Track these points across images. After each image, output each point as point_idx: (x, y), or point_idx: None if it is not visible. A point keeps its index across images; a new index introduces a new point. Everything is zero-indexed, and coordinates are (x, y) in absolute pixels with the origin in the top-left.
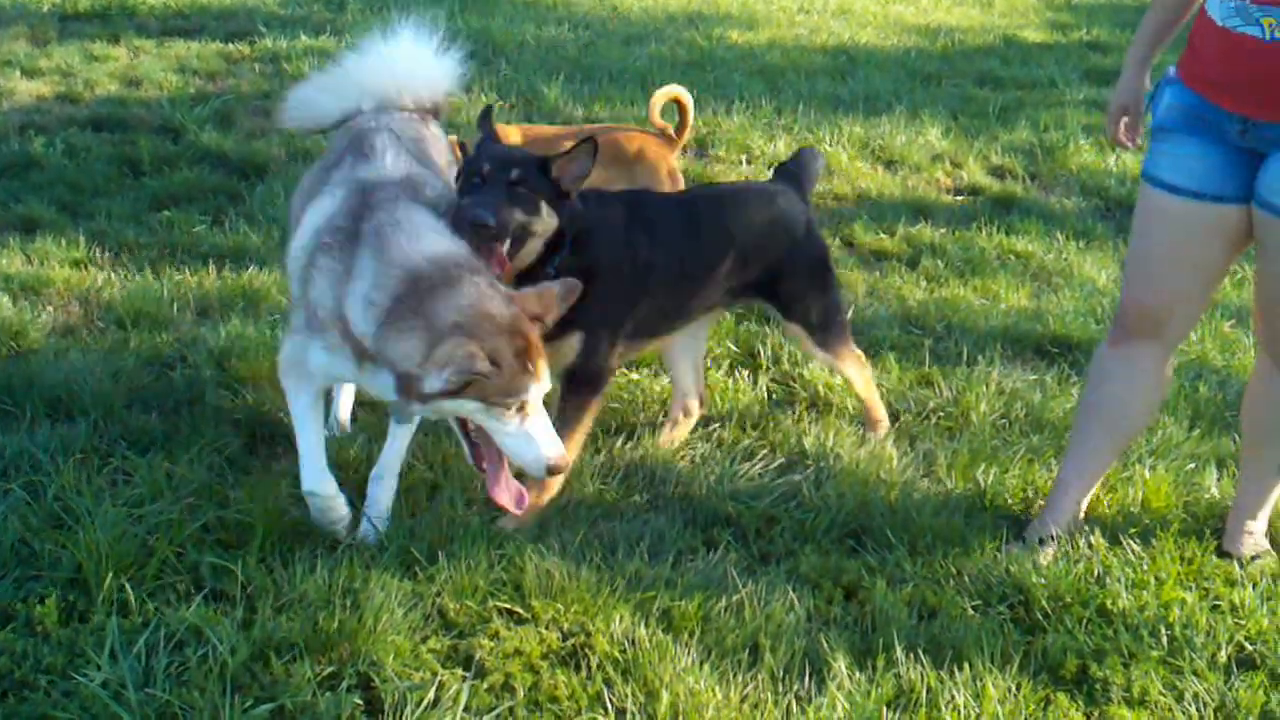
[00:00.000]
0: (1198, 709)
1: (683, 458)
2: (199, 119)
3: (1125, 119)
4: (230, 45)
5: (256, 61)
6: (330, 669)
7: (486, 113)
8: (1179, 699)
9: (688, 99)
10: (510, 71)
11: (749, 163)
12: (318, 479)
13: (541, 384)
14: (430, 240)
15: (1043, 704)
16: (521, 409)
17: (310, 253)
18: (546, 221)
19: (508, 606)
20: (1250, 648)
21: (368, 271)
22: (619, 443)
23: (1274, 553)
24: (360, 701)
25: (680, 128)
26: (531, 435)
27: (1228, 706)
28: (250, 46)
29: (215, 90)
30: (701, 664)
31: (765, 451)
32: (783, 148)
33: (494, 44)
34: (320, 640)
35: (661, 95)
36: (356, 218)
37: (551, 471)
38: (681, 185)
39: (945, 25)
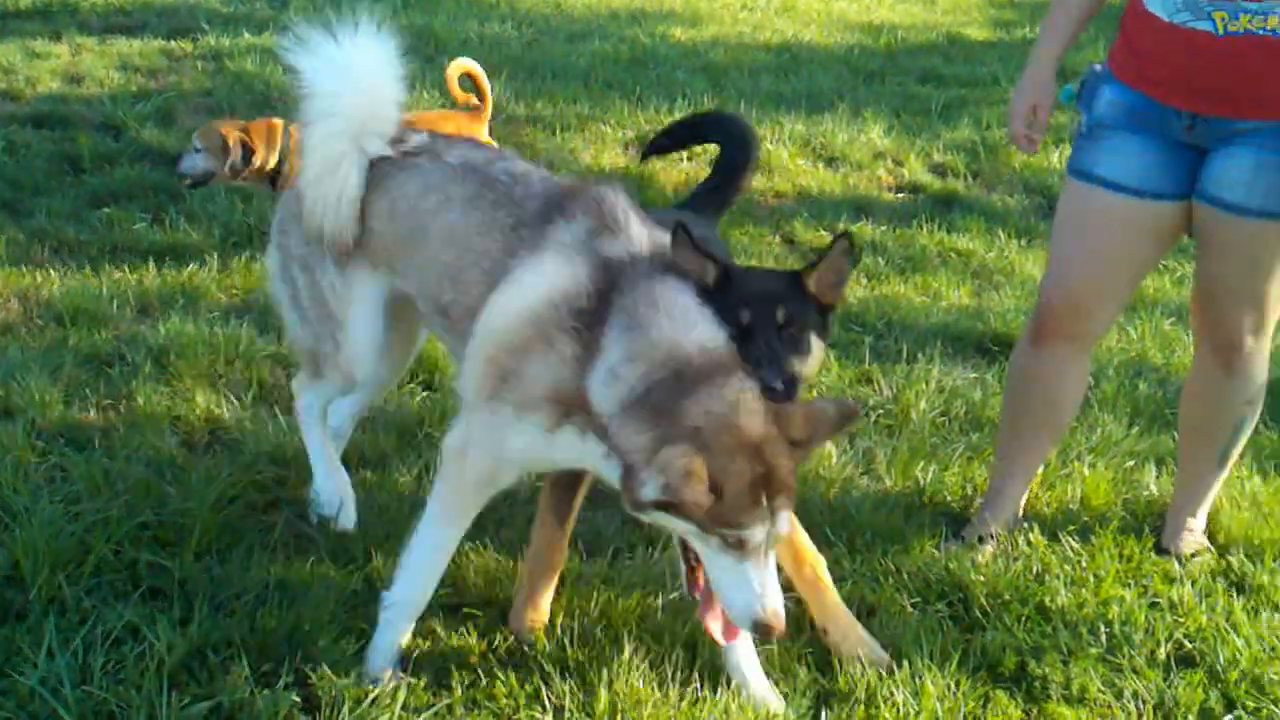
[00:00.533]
0: (1136, 706)
1: None
2: (140, 116)
3: (1034, 118)
4: (172, 42)
5: (199, 59)
6: (268, 666)
7: (681, 230)
8: (1118, 696)
9: (480, 72)
10: None
11: (689, 159)
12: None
13: (773, 526)
14: (703, 328)
15: (982, 701)
16: (741, 545)
17: (541, 326)
18: (816, 355)
19: (446, 604)
20: (1189, 645)
21: (617, 345)
22: None
23: (1213, 549)
24: (298, 699)
25: (481, 101)
26: (746, 578)
27: (1167, 704)
28: (193, 44)
29: (157, 88)
30: (640, 661)
31: None
32: None
33: (437, 41)
34: (258, 638)
35: (455, 68)
36: (602, 299)
37: (758, 630)
38: None
39: (888, 23)
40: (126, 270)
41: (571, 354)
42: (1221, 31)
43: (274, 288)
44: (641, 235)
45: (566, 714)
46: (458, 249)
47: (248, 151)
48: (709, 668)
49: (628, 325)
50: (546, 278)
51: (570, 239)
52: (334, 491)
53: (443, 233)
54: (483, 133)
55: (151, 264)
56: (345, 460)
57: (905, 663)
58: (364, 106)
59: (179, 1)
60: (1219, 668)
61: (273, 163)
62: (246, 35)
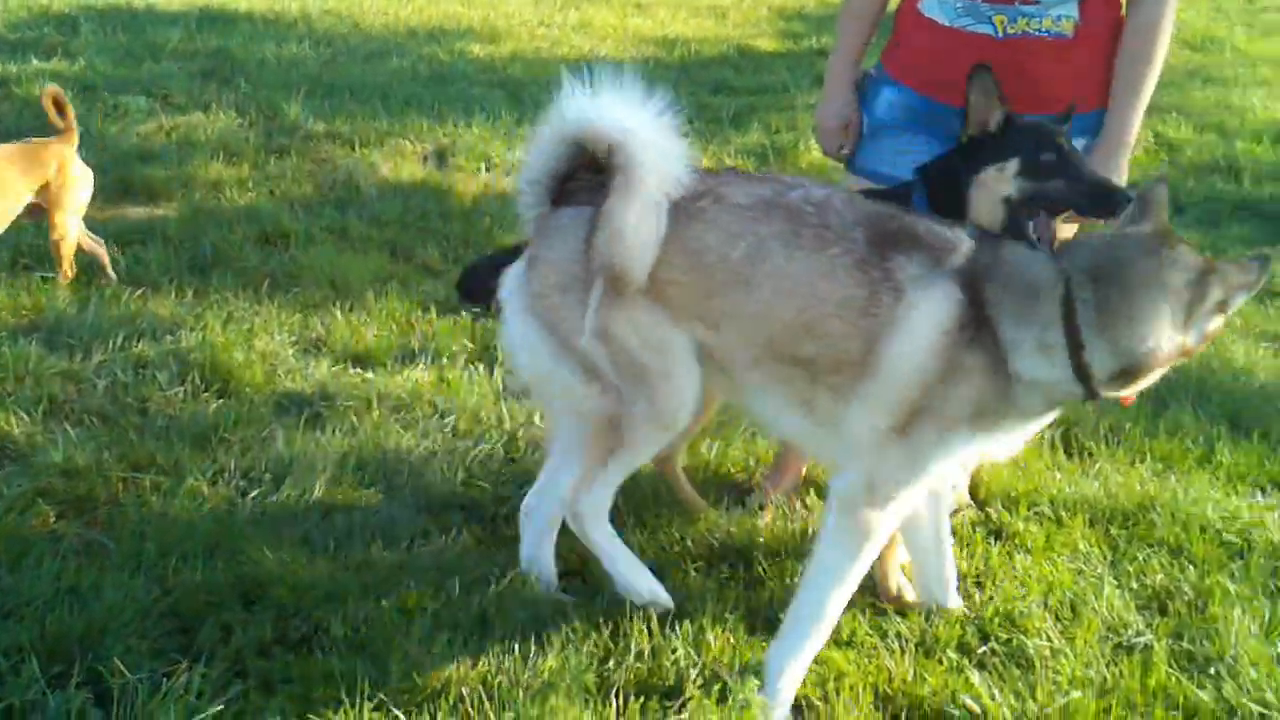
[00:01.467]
0: (900, 645)
1: (415, 449)
2: None
3: (846, 135)
4: None
5: None
6: (60, 668)
7: (985, 73)
8: (883, 637)
9: (62, 94)
10: (250, 90)
11: (488, 170)
12: None
13: None
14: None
15: (761, 651)
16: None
17: (947, 357)
18: None
19: (240, 593)
20: None
21: (1032, 321)
22: (351, 438)
23: (974, 504)
24: (90, 696)
25: (66, 123)
26: None
27: (928, 642)
28: None
29: None
30: (434, 638)
31: (498, 439)
32: (521, 155)
33: (233, 62)
34: (49, 643)
35: (48, 95)
36: (978, 301)
37: None
38: (83, 180)
39: (682, 37)
40: None
41: (982, 364)
42: (1001, 34)
43: (539, 365)
44: (964, 239)
45: (359, 688)
46: (802, 299)
47: None
48: (499, 641)
49: (1015, 316)
50: (929, 319)
51: (919, 270)
52: (648, 585)
53: (773, 281)
54: (73, 155)
55: None
56: (138, 469)
57: (689, 619)
58: (670, 154)
59: None
60: (975, 607)
61: None
62: (35, 61)
